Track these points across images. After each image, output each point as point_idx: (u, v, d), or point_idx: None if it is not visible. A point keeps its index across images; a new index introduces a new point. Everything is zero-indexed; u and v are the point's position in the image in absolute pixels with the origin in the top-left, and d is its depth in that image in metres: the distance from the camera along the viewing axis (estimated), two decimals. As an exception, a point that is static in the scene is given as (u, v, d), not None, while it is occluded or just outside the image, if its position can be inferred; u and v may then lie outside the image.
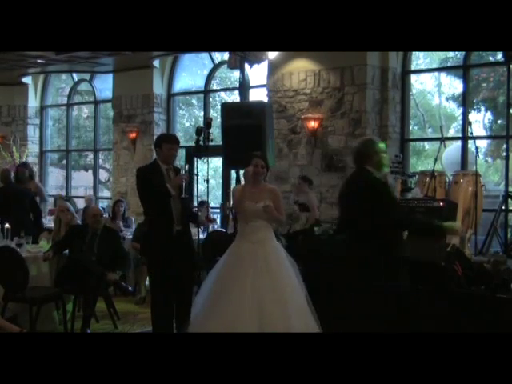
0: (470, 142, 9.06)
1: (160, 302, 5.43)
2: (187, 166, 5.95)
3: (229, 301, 5.11)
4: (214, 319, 5.08)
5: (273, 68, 10.34)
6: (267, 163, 5.55)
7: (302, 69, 10.02)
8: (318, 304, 5.34)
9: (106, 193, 16.00)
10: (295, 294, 5.23)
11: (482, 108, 13.73)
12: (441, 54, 12.62)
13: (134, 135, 12.71)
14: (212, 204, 12.24)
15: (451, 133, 14.81)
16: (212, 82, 12.86)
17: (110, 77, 13.39)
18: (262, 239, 5.34)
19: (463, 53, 9.81)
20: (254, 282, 5.14)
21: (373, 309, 5.52)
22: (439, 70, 13.61)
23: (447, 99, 15.50)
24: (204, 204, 8.85)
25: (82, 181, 18.28)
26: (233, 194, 5.71)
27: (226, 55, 11.00)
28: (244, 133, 7.37)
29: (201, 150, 6.84)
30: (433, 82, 15.45)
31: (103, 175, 17.69)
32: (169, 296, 5.38)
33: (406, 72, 9.97)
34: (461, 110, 10.73)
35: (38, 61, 12.31)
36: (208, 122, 7.19)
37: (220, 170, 13.00)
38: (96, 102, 14.51)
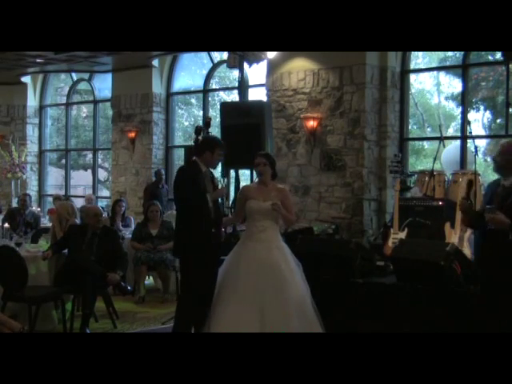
0: (469, 141, 9.06)
1: (196, 302, 5.23)
2: (225, 180, 5.82)
3: (231, 301, 5.11)
4: (217, 319, 5.08)
5: (272, 67, 10.33)
6: (271, 161, 5.53)
7: (301, 68, 10.02)
8: (315, 303, 5.34)
9: (105, 192, 16.01)
10: (299, 294, 5.21)
11: (481, 107, 13.74)
12: (440, 54, 12.62)
13: (133, 134, 12.71)
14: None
15: (450, 132, 14.82)
16: (211, 81, 12.86)
17: (109, 76, 13.39)
18: (268, 239, 5.33)
19: (462, 52, 9.80)
20: (257, 282, 5.14)
21: (372, 308, 5.54)
22: (438, 69, 13.61)
23: (446, 98, 15.51)
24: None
25: (81, 180, 18.30)
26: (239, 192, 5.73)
27: (225, 54, 11.00)
28: (243, 132, 7.38)
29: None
30: (432, 81, 15.45)
31: (102, 174, 17.69)
32: (203, 296, 5.27)
33: (405, 71, 9.96)
34: (460, 109, 10.73)
35: (37, 60, 12.31)
36: (207, 122, 7.20)
37: (219, 169, 12.99)
38: (95, 102, 14.51)
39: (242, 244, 5.40)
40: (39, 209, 12.63)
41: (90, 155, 16.51)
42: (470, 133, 7.81)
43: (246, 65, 9.74)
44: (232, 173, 9.41)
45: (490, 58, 10.71)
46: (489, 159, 14.70)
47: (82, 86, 15.19)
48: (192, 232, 5.31)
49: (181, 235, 5.45)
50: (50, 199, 13.50)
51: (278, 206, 5.29)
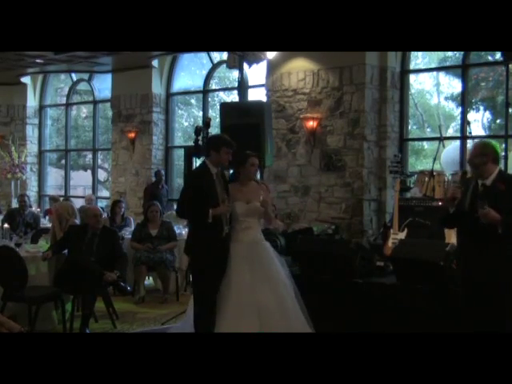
0: (469, 141, 9.07)
1: (210, 303, 5.19)
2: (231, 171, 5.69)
3: (228, 303, 5.10)
4: (217, 321, 5.07)
5: (272, 68, 10.34)
6: (261, 162, 5.61)
7: (300, 68, 10.02)
8: (315, 303, 5.35)
9: (104, 192, 16.01)
10: (289, 293, 5.25)
11: (481, 107, 13.73)
12: (439, 54, 12.62)
13: (132, 135, 12.71)
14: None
15: (450, 132, 14.81)
16: (211, 81, 12.86)
17: (108, 76, 13.39)
18: (254, 239, 5.36)
19: (462, 52, 9.80)
20: (251, 283, 5.15)
21: (372, 308, 5.53)
22: (438, 69, 13.61)
23: (446, 99, 15.50)
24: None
25: (81, 181, 18.29)
26: None
27: (224, 55, 11.00)
28: (243, 132, 7.36)
29: (200, 149, 6.82)
30: (431, 81, 15.44)
31: (102, 175, 17.69)
32: (213, 295, 5.24)
33: (405, 71, 9.97)
34: (459, 109, 10.73)
35: (37, 60, 12.32)
36: (207, 122, 7.19)
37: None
38: (95, 102, 14.52)
39: (230, 246, 5.38)
40: (39, 209, 12.63)
41: (89, 155, 16.51)
42: (470, 133, 7.82)
43: (245, 65, 9.74)
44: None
45: (489, 58, 10.70)
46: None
47: (82, 86, 15.20)
48: (197, 233, 5.34)
49: (189, 235, 5.49)
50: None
51: (267, 203, 5.36)
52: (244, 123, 7.42)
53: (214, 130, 9.67)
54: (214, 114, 13.63)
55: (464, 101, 9.73)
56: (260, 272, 5.22)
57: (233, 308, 5.09)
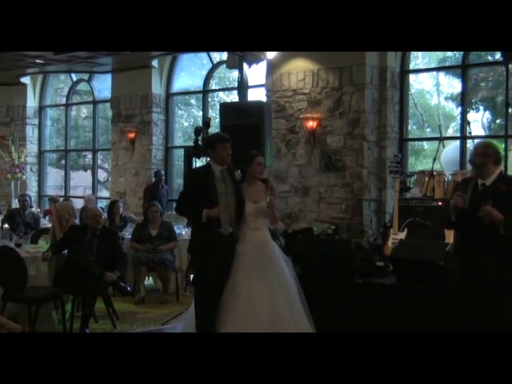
0: (469, 141, 9.07)
1: (211, 303, 5.18)
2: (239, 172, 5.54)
3: (237, 306, 5.08)
4: (224, 324, 5.07)
5: (271, 68, 10.34)
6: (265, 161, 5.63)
7: (300, 68, 10.02)
8: (315, 303, 5.35)
9: (104, 193, 16.01)
10: (294, 292, 5.25)
11: (481, 107, 13.73)
12: (439, 54, 12.62)
13: (132, 135, 12.71)
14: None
15: (450, 132, 14.81)
16: (211, 81, 12.86)
17: (108, 77, 13.39)
18: (263, 240, 5.35)
19: (462, 52, 9.81)
20: (261, 285, 5.14)
21: (372, 308, 5.54)
22: (438, 69, 13.61)
23: (446, 99, 15.50)
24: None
25: (81, 181, 18.27)
26: None
27: (224, 55, 11.00)
28: (243, 132, 7.36)
29: (199, 150, 6.82)
30: (431, 81, 15.44)
31: (102, 175, 17.68)
32: (214, 296, 5.20)
33: (405, 72, 9.97)
34: (459, 109, 10.73)
35: (37, 61, 12.32)
36: (207, 122, 7.19)
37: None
38: (95, 102, 14.52)
39: (238, 246, 5.37)
40: (39, 209, 12.63)
41: (89, 156, 16.51)
42: (470, 133, 7.83)
43: (245, 65, 9.74)
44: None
45: (489, 58, 10.70)
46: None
47: (82, 86, 15.19)
48: (196, 232, 5.35)
49: (191, 234, 5.51)
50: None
51: (274, 204, 5.36)
52: (244, 123, 7.42)
53: (214, 130, 9.66)
54: (214, 114, 13.63)
55: (464, 101, 9.74)
56: (269, 272, 5.21)
57: (242, 312, 5.06)
